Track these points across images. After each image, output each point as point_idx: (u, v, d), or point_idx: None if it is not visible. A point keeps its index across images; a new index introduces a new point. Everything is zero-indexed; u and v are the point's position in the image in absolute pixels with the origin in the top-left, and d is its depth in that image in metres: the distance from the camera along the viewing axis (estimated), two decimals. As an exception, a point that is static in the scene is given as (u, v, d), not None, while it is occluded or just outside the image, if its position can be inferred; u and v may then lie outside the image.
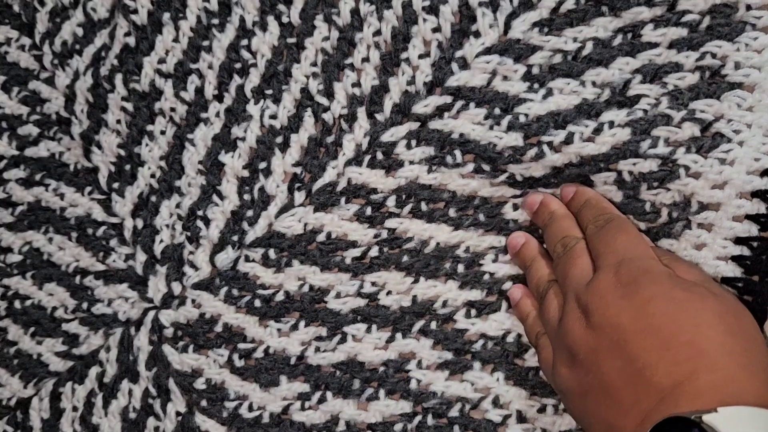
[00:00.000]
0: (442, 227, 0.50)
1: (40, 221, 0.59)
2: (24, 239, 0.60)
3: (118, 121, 0.57)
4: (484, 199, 0.50)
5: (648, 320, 0.38)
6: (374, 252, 0.51)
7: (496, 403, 0.49)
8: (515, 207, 0.50)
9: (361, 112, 0.52)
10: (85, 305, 0.57)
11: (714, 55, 0.45)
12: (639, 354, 0.38)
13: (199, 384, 0.54)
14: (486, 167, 0.49)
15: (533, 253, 0.48)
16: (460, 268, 0.50)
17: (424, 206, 0.51)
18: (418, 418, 0.50)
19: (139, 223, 0.57)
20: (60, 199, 0.59)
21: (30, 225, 0.60)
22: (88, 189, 0.58)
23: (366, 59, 0.52)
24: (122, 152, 0.57)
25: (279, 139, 0.53)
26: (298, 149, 0.53)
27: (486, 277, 0.50)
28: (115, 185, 0.57)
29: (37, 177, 0.60)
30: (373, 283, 0.51)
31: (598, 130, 0.46)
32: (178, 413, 0.54)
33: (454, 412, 0.50)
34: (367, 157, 0.51)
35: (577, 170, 0.47)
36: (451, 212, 0.50)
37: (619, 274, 0.41)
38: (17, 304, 0.59)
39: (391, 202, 0.51)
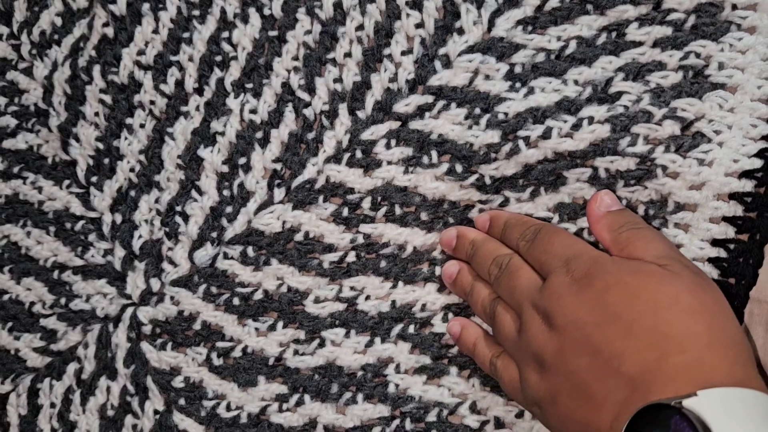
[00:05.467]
0: (416, 231, 0.50)
1: (18, 215, 0.58)
2: (2, 233, 0.59)
3: (96, 114, 0.56)
4: (453, 203, 0.49)
5: (607, 310, 0.38)
6: (351, 257, 0.51)
7: (473, 408, 0.49)
8: (481, 212, 0.49)
9: (343, 108, 0.51)
10: (63, 301, 0.57)
11: (698, 55, 0.44)
12: (603, 345, 0.37)
13: (178, 382, 0.53)
14: (459, 168, 0.48)
15: (470, 278, 0.48)
16: (438, 270, 0.50)
17: (398, 209, 0.50)
18: (396, 422, 0.50)
19: (118, 218, 0.56)
20: (38, 192, 0.58)
21: (8, 218, 0.59)
22: (67, 182, 0.57)
23: (348, 54, 0.51)
24: (101, 145, 0.56)
25: (259, 135, 0.52)
26: (279, 145, 0.52)
27: None
28: (94, 179, 0.56)
29: (15, 169, 0.59)
30: (352, 288, 0.51)
31: (577, 126, 0.45)
32: (156, 411, 0.53)
33: (431, 417, 0.50)
34: (347, 155, 0.50)
35: (550, 166, 0.47)
36: (423, 216, 0.50)
37: (571, 272, 0.41)
38: (-6, 298, 0.59)
39: (366, 203, 0.50)
